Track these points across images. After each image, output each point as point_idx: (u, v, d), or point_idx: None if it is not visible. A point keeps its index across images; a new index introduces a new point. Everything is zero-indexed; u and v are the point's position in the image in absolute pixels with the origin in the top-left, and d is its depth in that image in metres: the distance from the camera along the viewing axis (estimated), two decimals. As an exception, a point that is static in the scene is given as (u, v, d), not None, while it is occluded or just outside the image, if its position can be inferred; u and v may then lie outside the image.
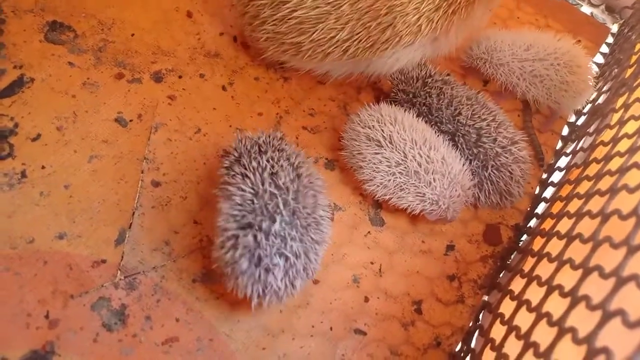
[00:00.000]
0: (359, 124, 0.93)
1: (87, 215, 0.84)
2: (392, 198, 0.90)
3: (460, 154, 0.94)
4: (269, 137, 0.82)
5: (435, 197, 0.88)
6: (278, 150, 0.79)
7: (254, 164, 0.76)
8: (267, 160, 0.77)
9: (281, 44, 0.94)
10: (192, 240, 0.87)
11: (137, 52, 1.02)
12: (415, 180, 0.88)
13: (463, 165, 0.92)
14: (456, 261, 0.95)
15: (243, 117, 1.01)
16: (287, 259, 0.72)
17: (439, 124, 0.96)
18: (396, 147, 0.89)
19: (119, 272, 0.81)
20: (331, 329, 0.85)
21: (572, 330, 0.56)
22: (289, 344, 0.82)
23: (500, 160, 0.94)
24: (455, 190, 0.88)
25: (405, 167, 0.88)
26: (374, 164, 0.89)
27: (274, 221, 0.72)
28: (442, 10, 0.88)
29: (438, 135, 0.93)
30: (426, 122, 0.95)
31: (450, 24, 0.91)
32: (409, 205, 0.89)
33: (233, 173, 0.77)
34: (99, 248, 0.82)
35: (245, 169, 0.76)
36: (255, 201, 0.73)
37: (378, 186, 0.90)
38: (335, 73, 1.00)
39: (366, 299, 0.89)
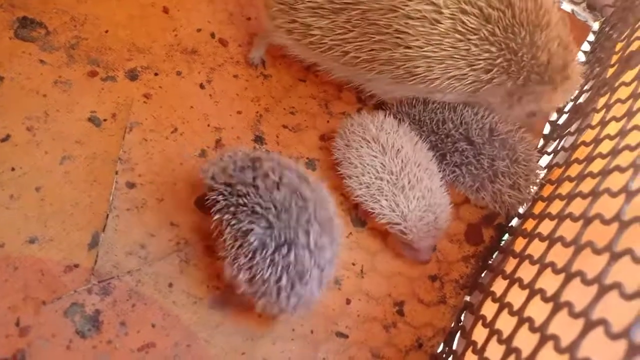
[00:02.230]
0: (372, 122, 0.92)
1: (59, 218, 0.82)
2: (367, 200, 0.88)
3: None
4: (241, 153, 0.79)
5: (406, 211, 0.85)
6: (263, 160, 0.77)
7: (262, 184, 0.73)
8: (270, 173, 0.74)
9: (292, 20, 0.91)
10: (168, 243, 0.85)
11: (111, 49, 0.99)
12: (397, 191, 0.86)
13: (448, 205, 0.90)
14: (438, 261, 0.95)
15: (222, 115, 0.99)
16: (322, 268, 0.72)
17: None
18: (401, 160, 0.87)
19: (92, 276, 0.79)
20: (312, 332, 0.84)
21: (555, 338, 0.56)
22: (269, 348, 0.81)
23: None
24: (427, 217, 0.86)
25: (396, 179, 0.86)
26: (368, 164, 0.88)
27: (308, 234, 0.71)
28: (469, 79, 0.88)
29: (440, 171, 0.92)
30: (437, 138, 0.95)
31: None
32: (379, 212, 0.87)
33: (244, 208, 0.73)
34: (72, 252, 0.80)
35: (260, 196, 0.73)
36: (284, 216, 0.71)
37: (361, 184, 0.88)
38: (335, 73, 0.98)
39: (348, 301, 0.88)
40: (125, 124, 0.92)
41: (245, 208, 0.72)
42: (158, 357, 0.76)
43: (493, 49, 0.85)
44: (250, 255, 0.71)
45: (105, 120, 0.92)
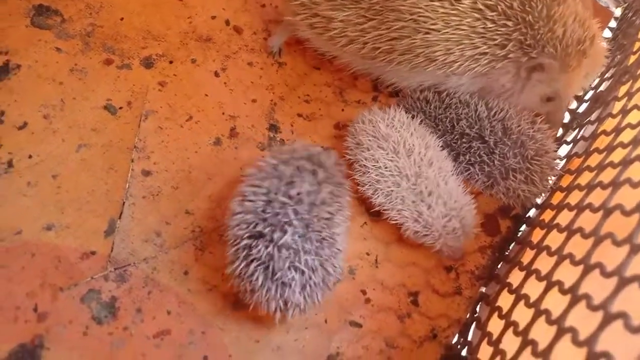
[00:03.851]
0: (382, 119, 0.90)
1: (76, 205, 0.82)
2: (389, 210, 0.86)
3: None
4: (323, 152, 0.80)
5: (430, 220, 0.84)
6: (316, 164, 0.77)
7: (282, 166, 0.75)
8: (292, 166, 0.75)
9: (314, 14, 0.91)
10: (183, 230, 0.85)
11: (126, 37, 0.99)
12: (416, 199, 0.85)
13: (471, 206, 0.88)
14: (453, 251, 0.94)
15: (236, 103, 0.98)
16: (302, 272, 0.70)
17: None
18: (413, 161, 0.85)
19: (108, 263, 0.80)
20: (326, 321, 0.84)
21: (572, 330, 0.55)
22: (283, 336, 0.81)
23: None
24: (451, 223, 0.84)
25: (414, 184, 0.85)
26: (380, 167, 0.86)
27: (284, 232, 0.70)
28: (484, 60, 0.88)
29: (452, 170, 0.90)
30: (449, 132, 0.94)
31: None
32: (404, 223, 0.86)
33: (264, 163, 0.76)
34: (88, 239, 0.80)
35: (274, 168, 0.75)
36: (268, 209, 0.71)
37: (376, 192, 0.86)
38: (355, 66, 0.98)
39: (362, 291, 0.87)
40: (140, 112, 0.92)
41: (249, 188, 0.73)
42: (173, 343, 0.77)
43: (509, 23, 0.85)
44: (233, 245, 0.71)
45: (120, 108, 0.92)
